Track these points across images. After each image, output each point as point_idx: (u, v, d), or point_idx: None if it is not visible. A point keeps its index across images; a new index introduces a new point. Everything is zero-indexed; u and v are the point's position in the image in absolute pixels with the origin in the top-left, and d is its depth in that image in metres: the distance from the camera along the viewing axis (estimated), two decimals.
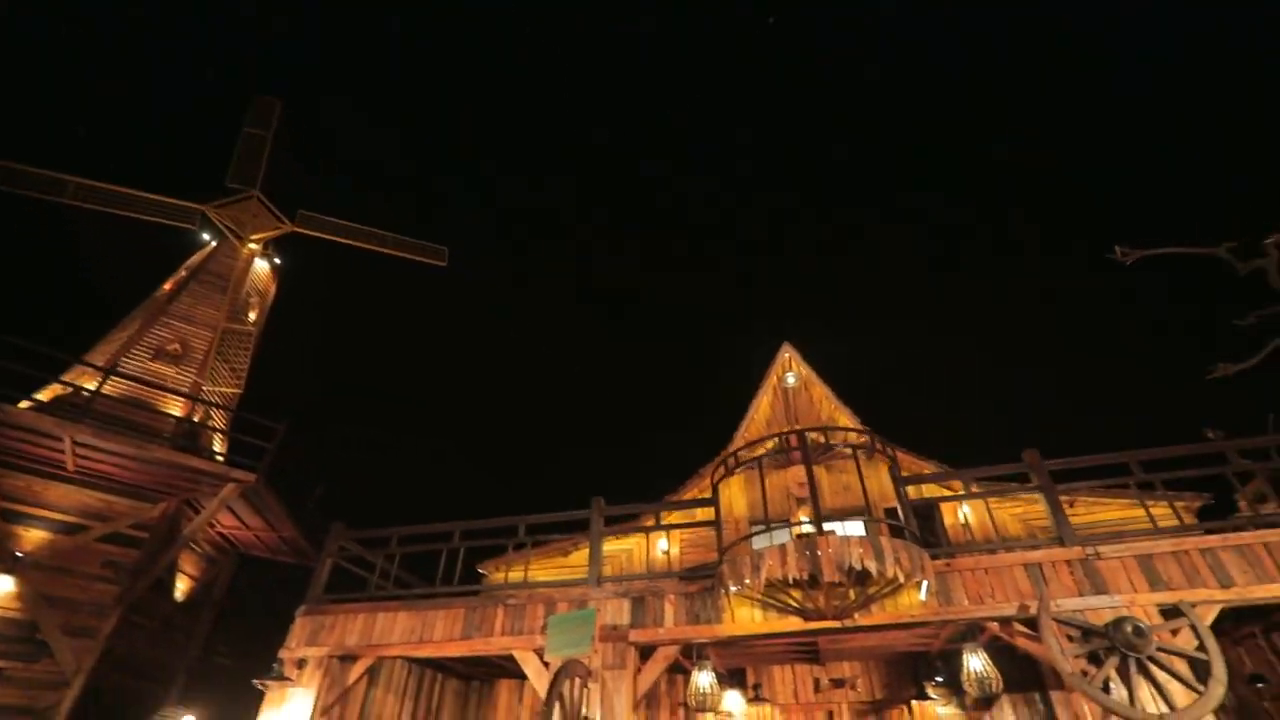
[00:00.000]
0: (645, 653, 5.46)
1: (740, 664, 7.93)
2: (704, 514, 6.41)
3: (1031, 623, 4.90)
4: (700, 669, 5.27)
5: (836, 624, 5.04)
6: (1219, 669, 4.26)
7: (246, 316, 12.33)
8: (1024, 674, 7.49)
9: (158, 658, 9.63)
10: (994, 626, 4.96)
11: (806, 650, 7.41)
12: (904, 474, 6.01)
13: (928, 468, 8.17)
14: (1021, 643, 4.87)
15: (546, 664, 5.32)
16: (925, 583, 4.95)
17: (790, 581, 4.76)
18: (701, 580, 5.56)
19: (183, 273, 12.21)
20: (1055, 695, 7.32)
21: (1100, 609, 4.78)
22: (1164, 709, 4.23)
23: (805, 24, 35.74)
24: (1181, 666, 4.37)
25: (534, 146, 40.01)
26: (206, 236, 13.01)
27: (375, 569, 6.98)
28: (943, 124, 33.97)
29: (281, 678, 5.66)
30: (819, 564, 4.55)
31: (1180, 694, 4.33)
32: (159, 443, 8.89)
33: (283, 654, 6.02)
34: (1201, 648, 4.40)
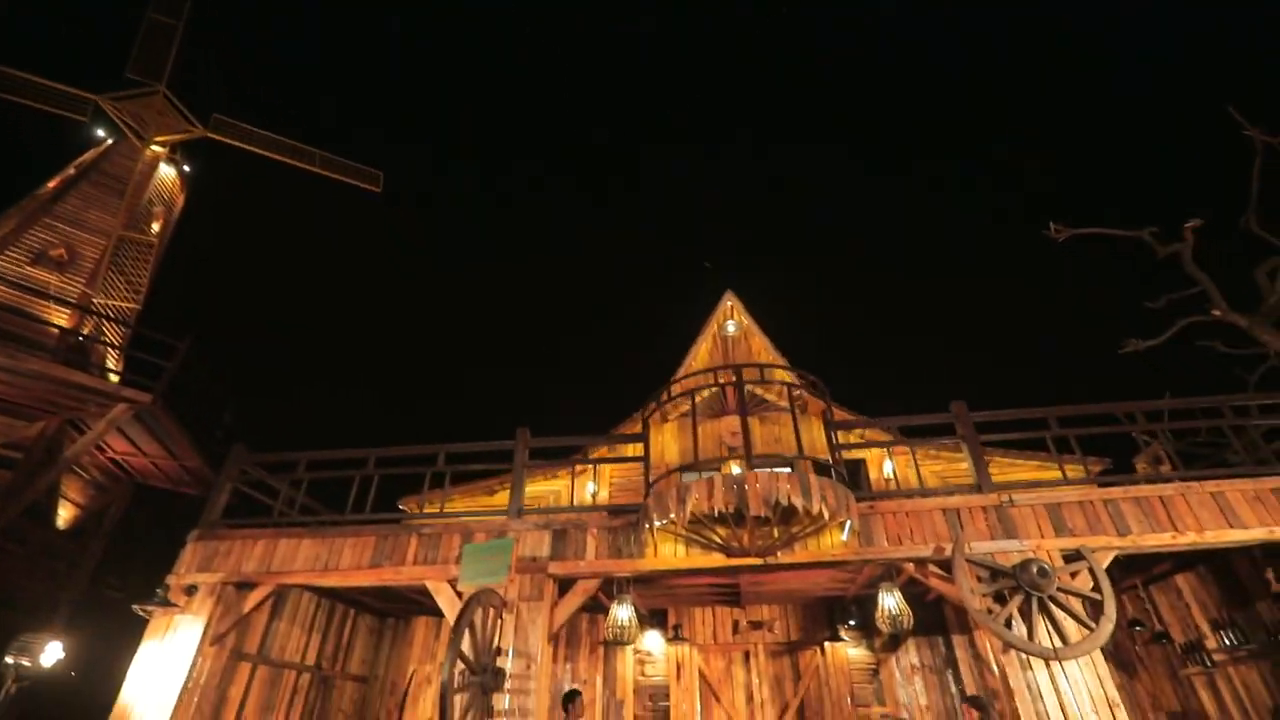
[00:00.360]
0: (564, 586, 5.31)
1: (662, 605, 7.97)
2: (634, 450, 6.24)
3: (945, 564, 5.02)
4: (620, 603, 5.17)
5: (759, 561, 5.02)
6: (1110, 608, 4.48)
7: (148, 226, 11.17)
8: (929, 619, 7.86)
9: (34, 588, 8.87)
10: (910, 568, 5.06)
11: (728, 594, 7.49)
12: (836, 428, 6.01)
13: (858, 427, 8.29)
14: (934, 583, 4.99)
15: (460, 594, 5.09)
16: (848, 522, 4.98)
17: (716, 515, 4.68)
18: (626, 515, 5.43)
19: (71, 170, 10.88)
20: (956, 639, 7.72)
21: (1009, 552, 4.94)
22: (1058, 644, 4.42)
23: None
24: (1077, 605, 4.56)
25: (476, 75, 38.05)
26: (102, 133, 11.62)
27: (279, 496, 6.51)
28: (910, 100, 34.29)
29: (166, 603, 5.22)
30: (746, 498, 4.46)
31: (1074, 631, 4.53)
32: (36, 354, 7.97)
33: (170, 580, 5.56)
34: (1097, 589, 4.61)
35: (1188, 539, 4.95)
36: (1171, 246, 9.71)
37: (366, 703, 8.06)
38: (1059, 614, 4.53)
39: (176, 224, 12.20)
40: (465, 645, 4.60)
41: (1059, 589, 4.57)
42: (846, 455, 5.91)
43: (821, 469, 5.29)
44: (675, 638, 7.68)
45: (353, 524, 5.82)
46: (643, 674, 7.79)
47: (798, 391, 5.62)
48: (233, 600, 5.61)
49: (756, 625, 7.84)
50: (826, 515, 4.57)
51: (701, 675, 7.68)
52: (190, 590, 5.53)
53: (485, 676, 4.52)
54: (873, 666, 7.60)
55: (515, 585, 5.17)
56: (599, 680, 7.86)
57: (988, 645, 4.71)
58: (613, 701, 7.70)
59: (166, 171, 11.89)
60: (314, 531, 5.78)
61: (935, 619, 7.86)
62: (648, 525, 4.95)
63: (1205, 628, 7.03)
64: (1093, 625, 4.42)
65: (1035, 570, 4.52)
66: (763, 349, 9.24)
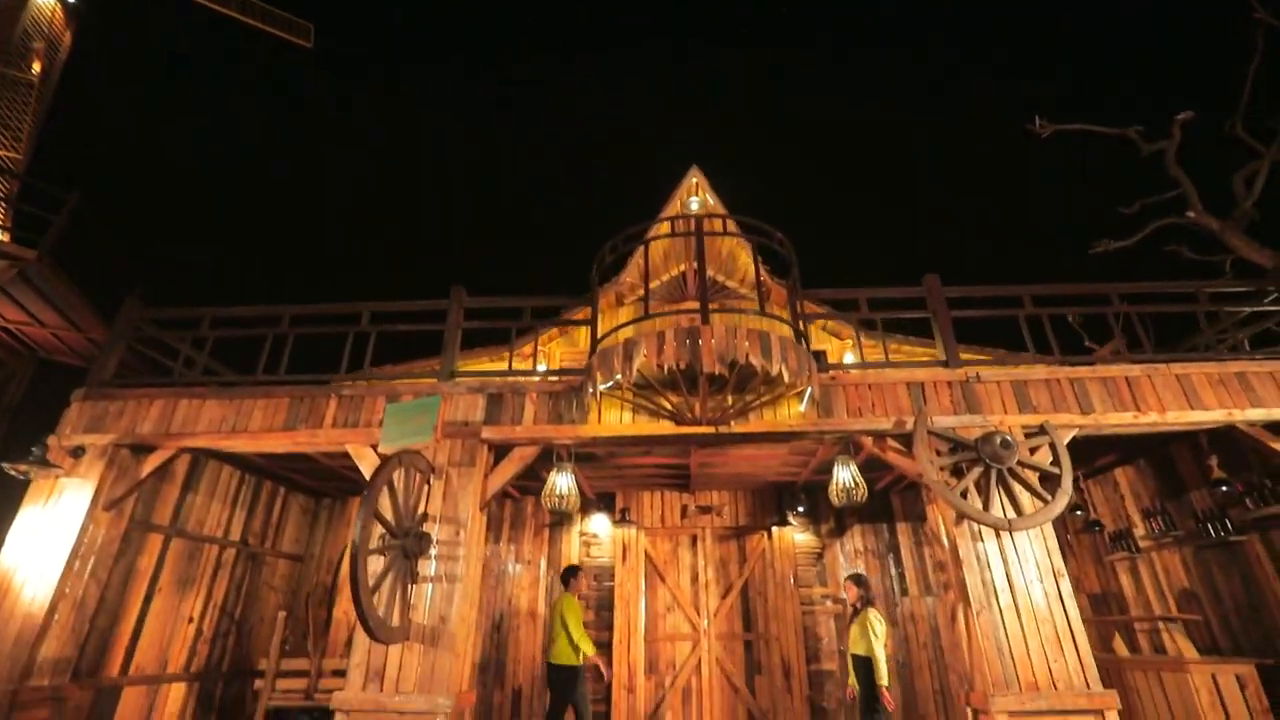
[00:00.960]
0: (501, 453, 4.91)
1: (610, 489, 7.77)
2: (583, 314, 5.71)
3: (905, 438, 4.78)
4: (559, 471, 4.81)
5: (711, 430, 4.69)
6: (1067, 482, 4.32)
7: (26, 65, 9.59)
8: (875, 507, 7.89)
9: None
10: (868, 442, 4.80)
11: (677, 477, 7.30)
12: (801, 296, 5.57)
13: (821, 309, 7.93)
14: (892, 457, 4.76)
15: (383, 458, 4.63)
16: (808, 391, 4.65)
17: (666, 375, 4.26)
18: (568, 379, 4.98)
19: None
20: (899, 526, 7.79)
21: (971, 427, 4.71)
22: (1012, 515, 4.28)
23: None
24: (1033, 479, 4.40)
25: None
26: None
27: (180, 357, 5.82)
28: None
29: (44, 464, 4.61)
30: (700, 354, 4.02)
31: (1028, 504, 4.39)
32: None
33: (50, 440, 4.93)
34: (1056, 463, 4.44)
35: (1149, 419, 4.81)
36: (1156, 144, 9.33)
37: (301, 579, 7.78)
38: (1015, 487, 4.37)
39: (64, 66, 10.55)
40: (386, 509, 4.19)
41: (1018, 462, 4.38)
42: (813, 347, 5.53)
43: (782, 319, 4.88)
44: (622, 520, 7.53)
45: (265, 384, 5.22)
46: (588, 555, 7.68)
47: (760, 234, 5.07)
48: (128, 464, 5.05)
49: (705, 510, 7.74)
50: (786, 378, 4.20)
51: (647, 557, 7.61)
52: (76, 452, 4.92)
53: (408, 540, 4.14)
54: (818, 551, 7.64)
55: (445, 450, 4.74)
56: (543, 561, 7.73)
57: (939, 518, 4.55)
58: (556, 581, 7.60)
59: (44, 1, 10.12)
60: (220, 392, 5.17)
61: (882, 507, 7.90)
62: (591, 389, 4.51)
63: (1136, 517, 7.20)
64: (1049, 498, 4.27)
65: (998, 442, 4.29)
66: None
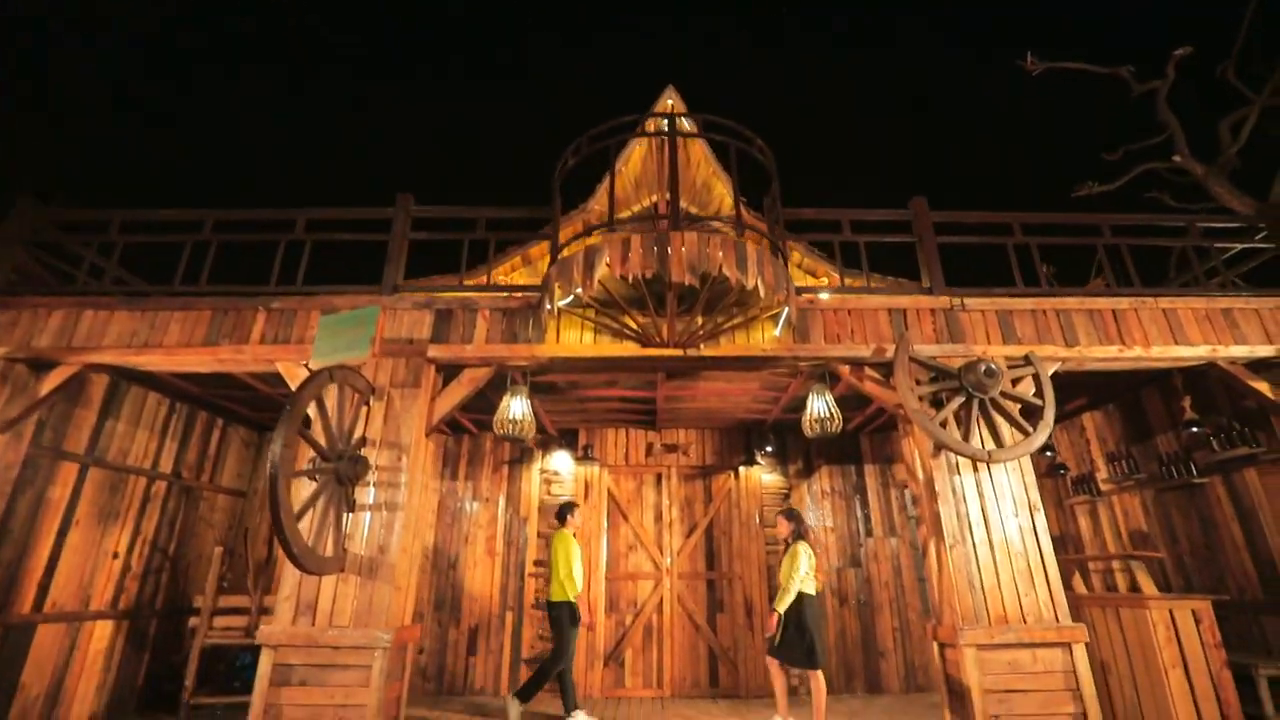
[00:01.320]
0: (450, 375, 4.49)
1: (573, 425, 7.45)
2: (539, 250, 5.23)
3: (885, 367, 4.51)
4: (514, 394, 4.43)
5: (679, 353, 4.33)
6: (1049, 414, 4.12)
7: None
8: (844, 449, 7.75)
9: None
10: (845, 371, 4.52)
11: (643, 413, 7.00)
12: (781, 214, 5.17)
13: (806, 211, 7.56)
14: (869, 387, 4.50)
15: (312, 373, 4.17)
16: (784, 313, 4.32)
17: (630, 284, 3.87)
18: (526, 295, 4.55)
19: None
20: (868, 468, 7.68)
21: (954, 357, 4.46)
22: (992, 447, 4.07)
23: None
24: (1015, 411, 4.18)
25: None
26: None
27: (84, 264, 5.19)
28: None
29: None
30: (668, 264, 3.63)
31: (1009, 435, 4.19)
32: None
33: None
34: (1039, 394, 4.23)
35: (1134, 353, 4.62)
36: (1149, 84, 9.02)
37: (244, 515, 7.36)
38: (996, 418, 4.15)
39: None
40: (319, 432, 3.77)
41: (1001, 393, 4.15)
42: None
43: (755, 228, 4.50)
44: (585, 457, 7.24)
45: (184, 296, 4.66)
46: (549, 493, 7.41)
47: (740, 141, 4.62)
48: (24, 381, 4.49)
49: (671, 448, 7.49)
50: (763, 293, 3.84)
51: (610, 495, 7.37)
52: None
53: (342, 465, 3.75)
54: (785, 491, 7.50)
55: (387, 369, 4.30)
56: (501, 498, 7.44)
57: (914, 451, 4.33)
58: (516, 519, 7.34)
59: None
60: (131, 303, 4.60)
61: (851, 449, 7.77)
62: (549, 304, 4.09)
63: (1100, 462, 7.20)
64: (1030, 429, 4.07)
65: (983, 370, 4.04)
66: (702, 159, 8.16)
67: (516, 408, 4.37)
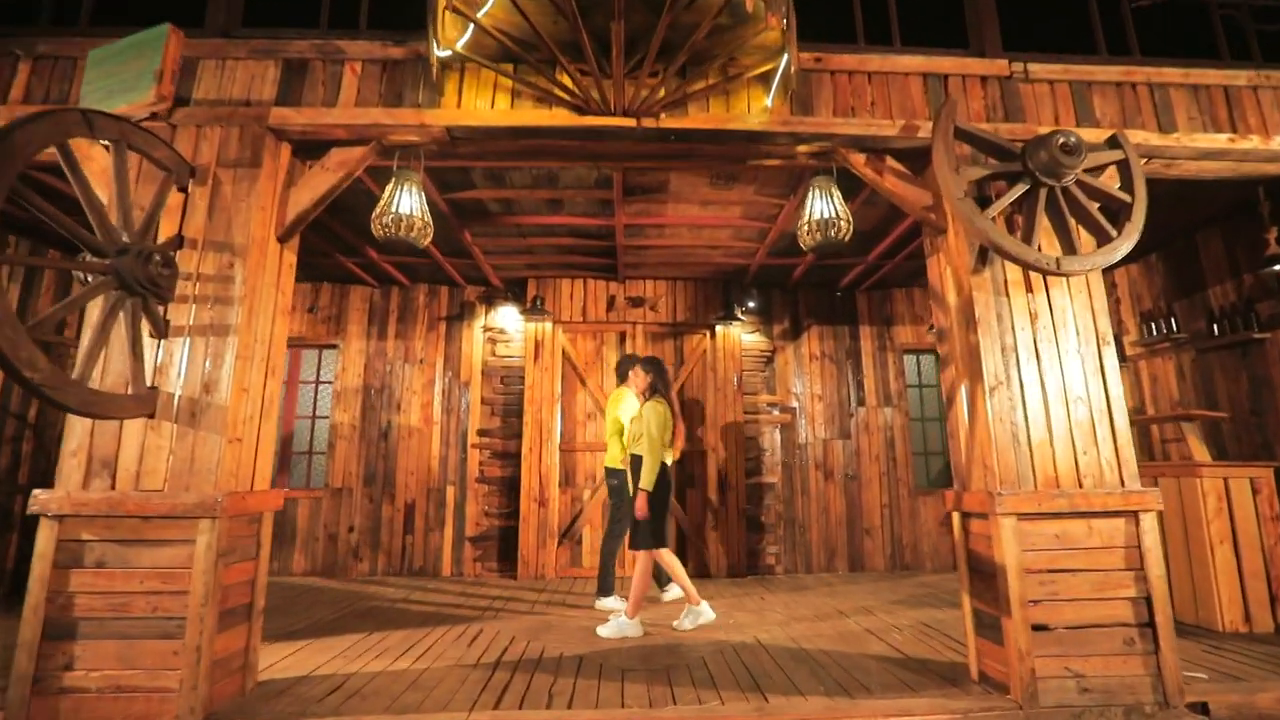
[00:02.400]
0: (310, 154, 3.19)
1: (519, 273, 6.23)
2: None
3: (916, 154, 3.28)
4: (401, 182, 3.16)
5: (630, 123, 3.05)
6: (1139, 214, 2.97)
7: None
8: (838, 308, 6.70)
9: None
10: (859, 160, 3.29)
11: (601, 254, 5.78)
12: None
13: None
14: (890, 183, 3.28)
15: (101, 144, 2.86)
16: (781, 67, 3.01)
17: (559, 9, 2.52)
18: (413, 43, 3.15)
19: None
20: (864, 329, 6.67)
21: (1013, 141, 3.23)
22: (1059, 254, 2.96)
23: None
24: (1093, 210, 3.02)
25: None
26: None
27: None
28: None
29: None
30: None
31: (1085, 240, 3.06)
32: None
33: None
34: (1127, 189, 3.06)
35: (1248, 144, 3.41)
36: None
37: None
38: (1068, 217, 3.00)
39: None
40: (100, 226, 2.51)
41: (1077, 182, 2.97)
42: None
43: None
44: (534, 311, 6.09)
45: None
46: (494, 354, 6.33)
47: None
48: None
49: (637, 302, 6.35)
50: (760, 7, 2.52)
51: (565, 356, 6.31)
52: None
53: (125, 262, 2.53)
54: (768, 354, 6.49)
55: (213, 143, 2.98)
56: (439, 361, 6.36)
57: (944, 270, 3.21)
58: (456, 383, 6.30)
59: None
60: None
61: (845, 308, 6.71)
62: (436, 44, 2.74)
63: (1130, 322, 6.25)
64: (1113, 233, 2.93)
65: (1058, 145, 2.83)
66: None
67: (405, 201, 3.11)
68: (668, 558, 3.95)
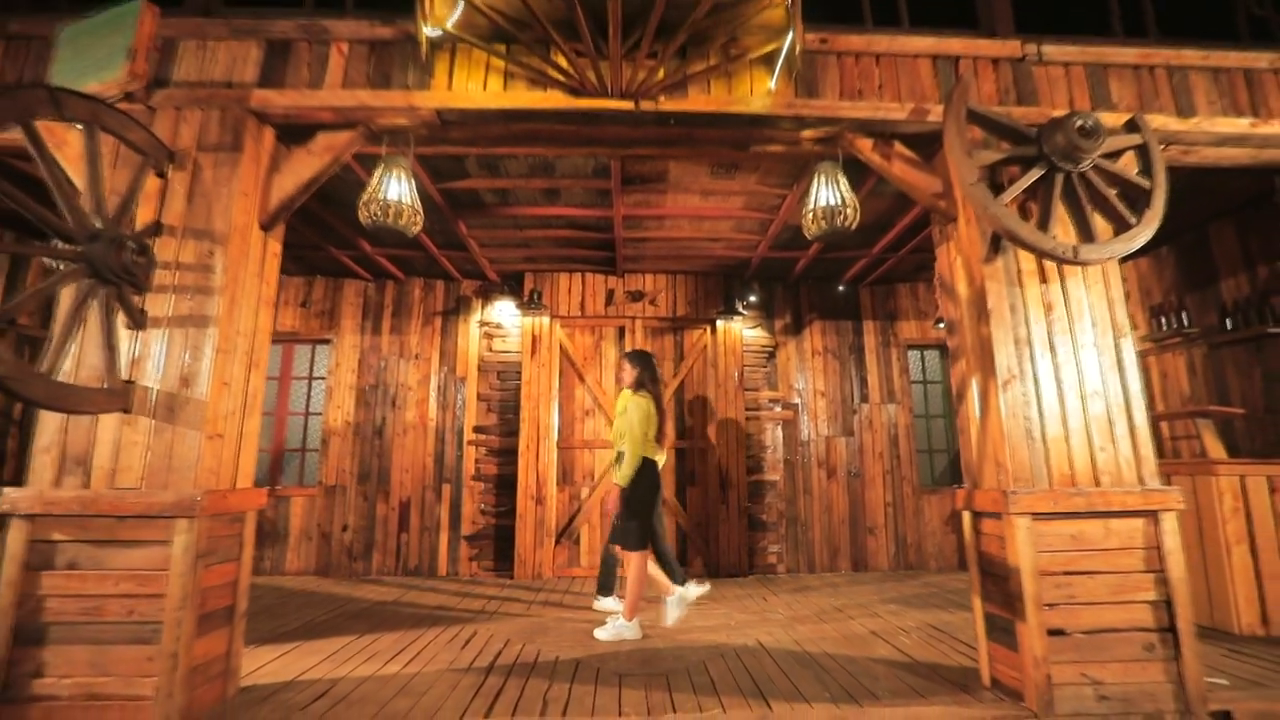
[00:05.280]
0: (294, 138, 3.07)
1: (516, 266, 6.11)
2: None
3: (925, 139, 3.16)
4: (389, 168, 3.03)
5: (628, 106, 2.92)
6: (1159, 201, 2.84)
7: None
8: (840, 303, 6.58)
9: None
10: (865, 146, 3.16)
11: (599, 247, 5.66)
12: None
13: None
14: (899, 169, 3.16)
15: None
16: (785, 48, 2.89)
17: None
18: (402, 23, 3.02)
19: None
20: (867, 324, 6.54)
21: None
22: (1076, 242, 2.83)
23: None
24: (1112, 196, 2.90)
25: None
26: None
27: None
28: None
29: None
30: None
31: (1102, 228, 2.94)
32: None
33: None
34: (1146, 174, 2.93)
35: (1270, 129, 3.29)
36: None
37: None
38: (1085, 204, 2.88)
39: None
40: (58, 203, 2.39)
41: (1094, 167, 2.84)
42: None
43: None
44: (531, 304, 5.97)
45: None
46: (490, 349, 6.21)
47: None
48: None
49: (636, 296, 6.23)
50: None
51: (564, 352, 6.19)
52: None
53: (98, 249, 2.40)
54: (769, 349, 6.37)
55: (193, 126, 2.86)
56: (434, 356, 6.24)
57: (955, 258, 3.08)
58: (451, 379, 6.19)
59: None
60: None
61: (848, 303, 6.59)
62: (425, 23, 2.61)
63: (1140, 317, 6.12)
64: (1132, 221, 2.81)
65: (1076, 127, 2.70)
66: None
67: (393, 188, 2.98)
68: (638, 562, 3.82)
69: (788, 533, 6.08)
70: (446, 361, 6.22)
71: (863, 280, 6.50)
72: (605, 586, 4.41)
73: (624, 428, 3.77)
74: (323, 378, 6.31)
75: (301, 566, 5.81)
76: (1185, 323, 5.49)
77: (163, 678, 2.39)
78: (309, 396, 6.35)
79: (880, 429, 6.36)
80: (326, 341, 6.29)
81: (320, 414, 6.21)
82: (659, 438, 3.88)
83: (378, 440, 6.08)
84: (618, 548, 3.93)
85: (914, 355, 6.72)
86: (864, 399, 6.40)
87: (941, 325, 6.06)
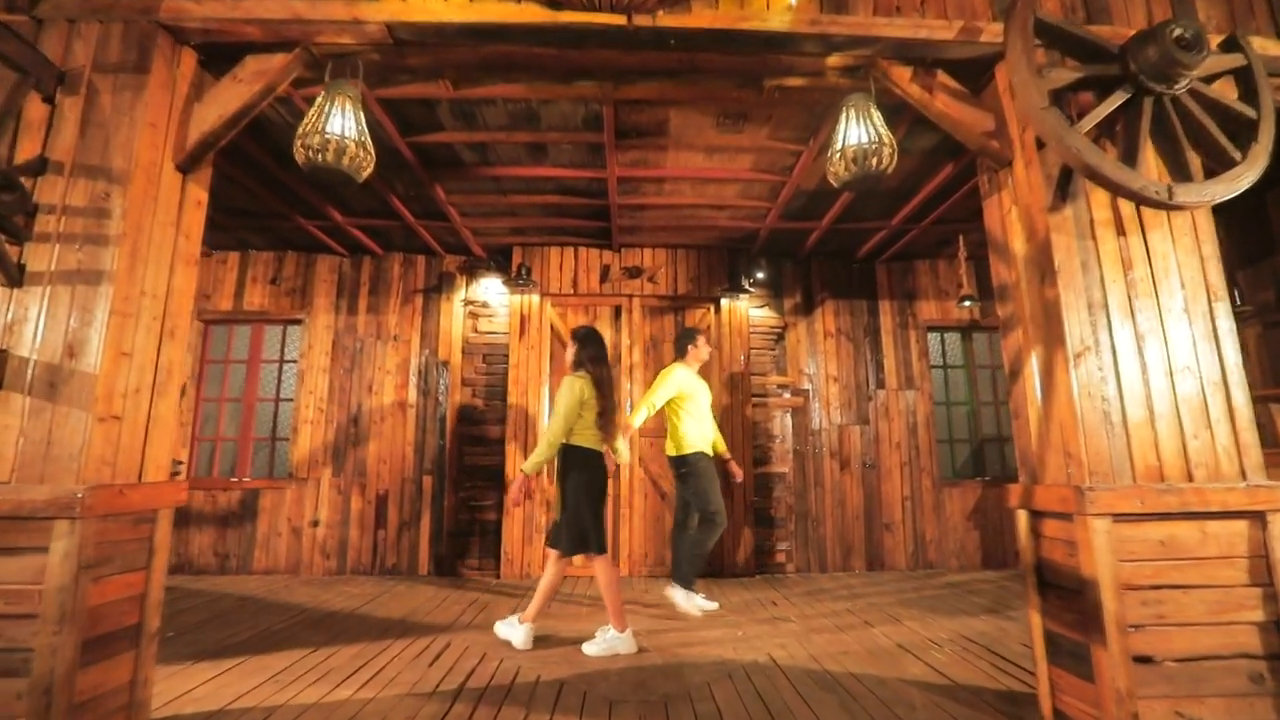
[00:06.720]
0: (218, 62, 2.55)
1: (503, 240, 5.59)
2: None
3: (970, 66, 2.64)
4: (333, 95, 2.51)
5: (620, 20, 2.40)
6: (1267, 134, 2.32)
7: None
8: (855, 282, 6.07)
9: None
10: (903, 76, 2.64)
11: (593, 218, 5.15)
12: None
13: None
14: (943, 104, 2.63)
15: None
16: None
17: None
18: None
19: None
20: (883, 304, 6.03)
21: None
22: (1168, 181, 2.31)
23: None
24: (1211, 127, 2.37)
25: None
26: None
27: None
28: None
29: None
30: None
31: (1197, 168, 2.42)
32: None
33: None
34: (1250, 100, 2.41)
35: None
36: None
37: None
38: (1179, 135, 2.36)
39: None
40: None
41: (1190, 91, 2.32)
42: None
43: None
44: (520, 281, 5.46)
45: None
46: (475, 330, 5.70)
47: None
48: None
49: (633, 273, 5.71)
50: None
51: (555, 333, 5.68)
52: None
53: None
54: (778, 331, 5.86)
55: (89, 42, 2.35)
56: (415, 337, 5.73)
57: (1008, 207, 2.57)
58: (433, 363, 5.69)
59: None
60: None
61: (863, 281, 6.07)
62: None
63: None
64: (1236, 157, 2.29)
65: (1174, 38, 2.18)
66: None
67: (336, 119, 2.47)
68: (602, 569, 3.36)
69: (797, 529, 5.59)
70: (428, 343, 5.72)
71: (879, 256, 5.99)
72: (678, 576, 4.09)
73: (557, 409, 3.31)
74: (294, 361, 5.81)
75: (269, 565, 5.34)
76: (1238, 299, 4.97)
77: (33, 718, 1.91)
78: (279, 381, 5.86)
79: (897, 417, 5.86)
80: (298, 322, 5.79)
81: (291, 400, 5.72)
82: (604, 425, 3.36)
83: (353, 428, 5.59)
84: (556, 552, 3.46)
85: (934, 338, 6.21)
86: (880, 384, 5.89)
87: (967, 304, 5.54)
